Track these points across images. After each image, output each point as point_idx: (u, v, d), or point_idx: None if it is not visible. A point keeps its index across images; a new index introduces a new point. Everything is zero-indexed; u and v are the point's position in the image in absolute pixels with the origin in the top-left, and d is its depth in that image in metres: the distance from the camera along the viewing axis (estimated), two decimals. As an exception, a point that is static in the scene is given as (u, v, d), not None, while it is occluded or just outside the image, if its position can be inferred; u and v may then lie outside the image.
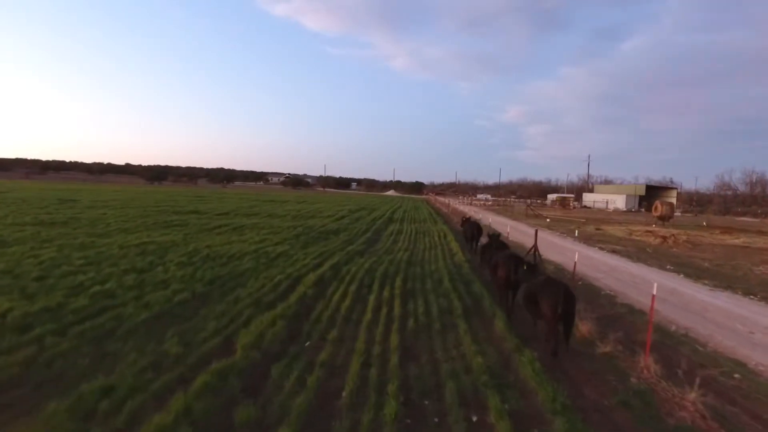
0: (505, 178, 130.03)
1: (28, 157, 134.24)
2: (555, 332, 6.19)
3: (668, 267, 15.11)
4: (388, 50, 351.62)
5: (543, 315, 6.36)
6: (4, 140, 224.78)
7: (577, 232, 25.54)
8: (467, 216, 23.08)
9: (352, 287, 9.24)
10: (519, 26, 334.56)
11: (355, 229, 22.15)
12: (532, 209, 44.13)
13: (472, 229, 19.06)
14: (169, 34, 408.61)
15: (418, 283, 10.20)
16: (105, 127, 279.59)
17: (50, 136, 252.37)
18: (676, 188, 72.87)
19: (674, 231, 27.32)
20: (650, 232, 27.19)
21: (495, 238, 12.71)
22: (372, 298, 8.41)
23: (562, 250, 17.89)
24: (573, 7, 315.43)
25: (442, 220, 31.70)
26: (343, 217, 29.22)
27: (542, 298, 6.27)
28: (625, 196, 69.27)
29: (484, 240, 15.16)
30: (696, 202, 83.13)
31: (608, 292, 10.89)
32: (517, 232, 23.47)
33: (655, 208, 35.98)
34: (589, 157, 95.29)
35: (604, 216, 49.95)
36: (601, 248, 19.57)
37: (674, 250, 20.17)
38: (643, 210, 68.61)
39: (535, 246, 11.33)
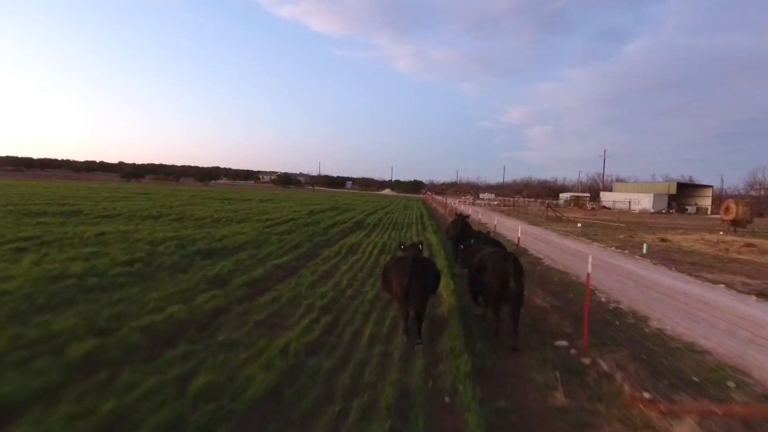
0: (508, 178, 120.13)
1: (20, 155, 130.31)
2: (407, 314, 5.70)
3: None
4: (392, 52, 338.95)
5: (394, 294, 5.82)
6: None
7: (645, 247, 16.17)
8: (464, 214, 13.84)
9: None
10: (523, 29, 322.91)
11: (281, 243, 12.86)
12: (554, 211, 34.69)
13: (456, 228, 10.58)
14: (170, 34, 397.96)
15: None
16: (105, 127, 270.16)
17: (51, 135, 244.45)
18: (711, 186, 63.22)
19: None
20: (752, 245, 17.78)
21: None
22: None
23: (677, 301, 8.51)
24: (576, 10, 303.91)
25: (434, 225, 22.32)
26: (289, 221, 19.92)
27: (392, 275, 5.71)
28: (652, 195, 59.68)
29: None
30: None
31: None
32: (584, 261, 14.17)
33: (727, 209, 26.52)
34: (605, 152, 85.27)
35: (638, 218, 40.53)
36: (739, 291, 10.13)
37: None
38: (673, 211, 59.15)
39: None
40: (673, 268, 12.58)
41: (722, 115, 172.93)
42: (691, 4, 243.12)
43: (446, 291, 7.95)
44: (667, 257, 14.83)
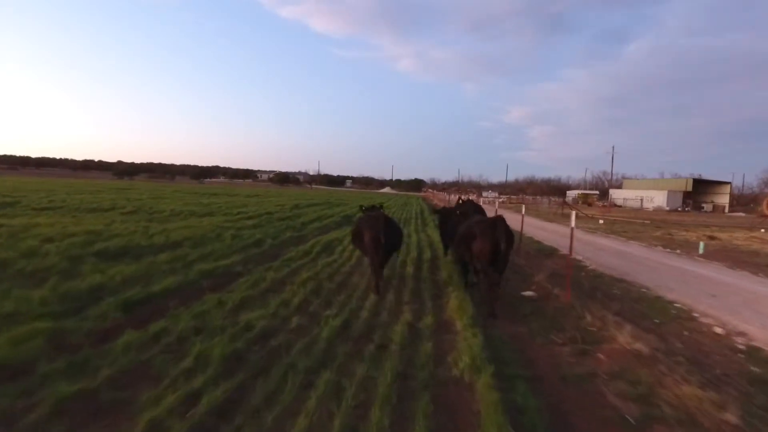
0: (510, 177, 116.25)
1: (20, 154, 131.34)
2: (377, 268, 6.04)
3: None
4: (392, 52, 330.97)
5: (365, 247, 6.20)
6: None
7: (702, 246, 12.90)
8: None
9: None
10: (524, 29, 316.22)
11: (235, 239, 9.67)
12: (570, 207, 31.39)
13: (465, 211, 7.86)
14: (170, 34, 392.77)
15: None
16: (105, 126, 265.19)
17: (50, 134, 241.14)
18: (729, 183, 59.75)
19: None
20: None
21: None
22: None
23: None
24: (578, 11, 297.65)
25: (435, 221, 19.08)
26: (263, 215, 16.72)
27: (365, 231, 6.10)
28: (666, 192, 56.24)
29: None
30: (737, 201, 70.67)
31: None
32: (638, 263, 11.03)
33: (770, 203, 23.21)
34: (613, 148, 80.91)
35: (656, 215, 37.24)
36: None
37: None
38: (689, 209, 55.75)
39: None
40: (760, 274, 9.35)
41: (725, 115, 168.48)
42: (693, 5, 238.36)
43: (460, 318, 4.73)
44: (735, 259, 11.58)
